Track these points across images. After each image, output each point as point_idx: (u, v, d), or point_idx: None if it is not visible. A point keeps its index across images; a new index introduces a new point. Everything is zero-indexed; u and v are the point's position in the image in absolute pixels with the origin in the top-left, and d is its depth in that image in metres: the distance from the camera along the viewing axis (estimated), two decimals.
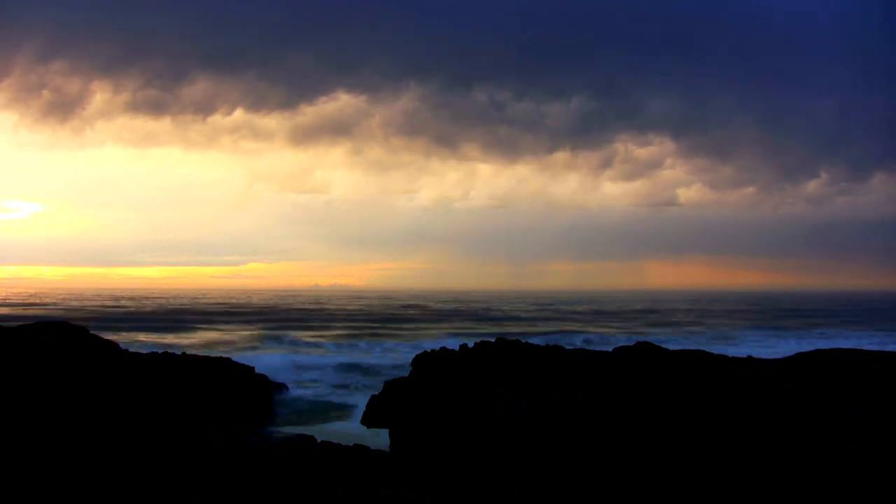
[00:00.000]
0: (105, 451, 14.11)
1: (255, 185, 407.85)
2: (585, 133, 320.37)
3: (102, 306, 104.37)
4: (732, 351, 33.44)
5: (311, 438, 13.94)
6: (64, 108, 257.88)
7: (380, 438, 18.81)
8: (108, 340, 25.42)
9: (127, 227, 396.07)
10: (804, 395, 14.85)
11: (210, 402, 22.63)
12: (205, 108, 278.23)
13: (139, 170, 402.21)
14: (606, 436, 13.99)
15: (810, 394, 14.94)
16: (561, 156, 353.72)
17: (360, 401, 22.83)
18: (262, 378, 27.74)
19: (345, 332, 68.98)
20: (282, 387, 31.03)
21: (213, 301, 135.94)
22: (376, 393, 20.25)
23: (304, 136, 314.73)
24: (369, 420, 19.69)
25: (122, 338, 43.50)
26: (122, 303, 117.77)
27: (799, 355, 18.97)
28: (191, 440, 17.24)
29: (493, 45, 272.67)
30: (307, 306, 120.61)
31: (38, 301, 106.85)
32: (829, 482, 11.50)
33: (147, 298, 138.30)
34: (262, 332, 67.10)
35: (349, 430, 21.10)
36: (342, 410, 28.19)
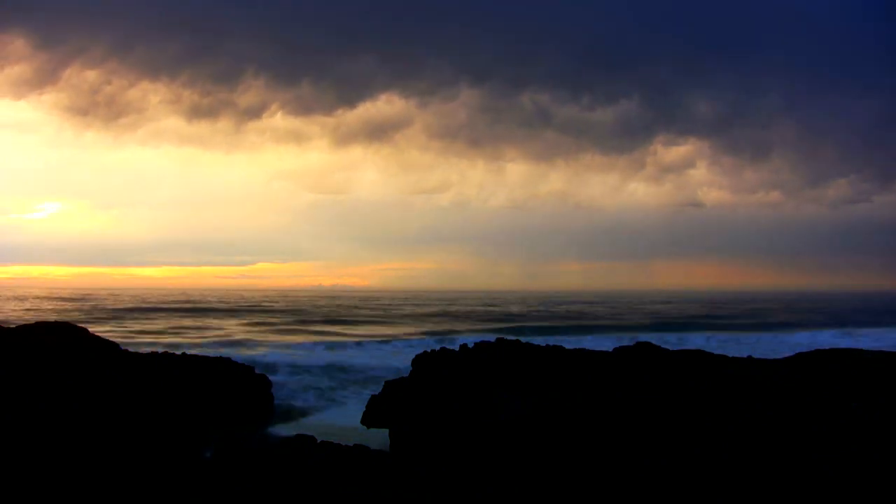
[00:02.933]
0: (105, 452, 14.12)
1: (279, 186, 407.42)
2: (624, 137, 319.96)
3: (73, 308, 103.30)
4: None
5: (311, 438, 13.93)
6: (107, 111, 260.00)
7: (380, 438, 18.82)
8: (108, 340, 25.41)
9: (143, 227, 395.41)
10: (804, 395, 14.85)
11: (210, 401, 22.65)
12: (251, 113, 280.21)
13: (170, 171, 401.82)
14: (606, 436, 14.00)
15: (810, 394, 14.95)
16: (593, 159, 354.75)
17: (361, 401, 22.83)
18: (262, 378, 27.76)
19: (344, 331, 69.01)
20: (281, 386, 31.07)
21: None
22: (376, 393, 20.28)
23: (341, 140, 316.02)
24: (369, 420, 19.71)
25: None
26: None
27: (799, 355, 18.97)
28: (190, 440, 17.24)
29: (548, 49, 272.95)
30: (302, 307, 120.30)
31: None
32: (829, 482, 11.51)
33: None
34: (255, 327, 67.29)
35: (349, 430, 21.11)
36: (342, 411, 28.19)
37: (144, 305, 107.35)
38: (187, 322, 76.29)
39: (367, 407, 19.96)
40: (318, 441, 13.88)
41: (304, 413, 27.93)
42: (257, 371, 27.86)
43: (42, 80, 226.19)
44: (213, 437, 16.63)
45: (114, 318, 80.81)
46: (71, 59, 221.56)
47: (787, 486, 11.60)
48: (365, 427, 19.80)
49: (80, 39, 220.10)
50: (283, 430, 23.67)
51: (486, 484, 12.35)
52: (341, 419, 26.01)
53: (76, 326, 25.25)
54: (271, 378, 29.90)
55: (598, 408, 15.10)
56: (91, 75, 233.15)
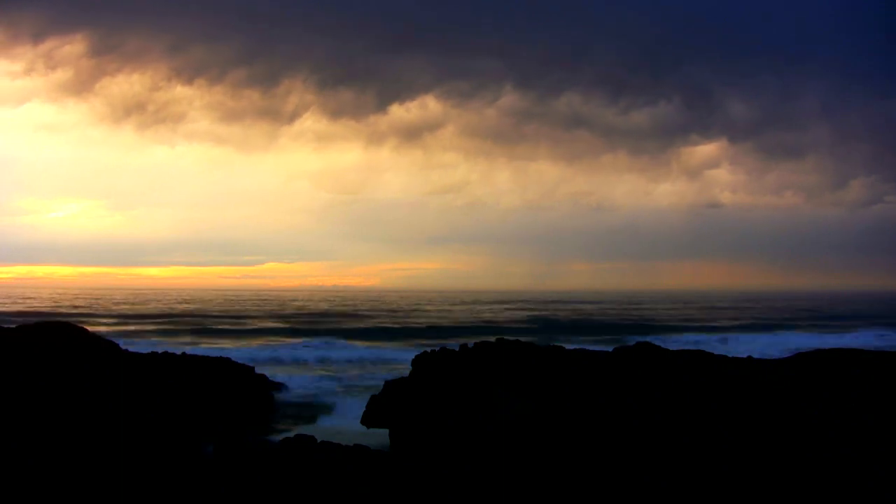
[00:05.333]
0: (105, 452, 14.12)
1: (300, 187, 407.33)
2: (655, 138, 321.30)
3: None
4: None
5: (311, 438, 13.92)
6: (140, 114, 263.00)
7: (380, 438, 18.82)
8: (108, 341, 25.42)
9: (156, 227, 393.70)
10: (804, 395, 14.85)
11: (210, 401, 22.63)
12: (285, 117, 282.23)
13: (195, 172, 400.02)
14: (606, 436, 13.99)
15: (810, 394, 14.95)
16: (620, 160, 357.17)
17: (361, 401, 22.83)
18: (262, 377, 27.76)
19: (344, 331, 68.99)
20: (281, 386, 31.07)
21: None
22: (377, 393, 20.27)
23: (370, 142, 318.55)
24: (369, 420, 19.70)
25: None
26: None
27: (799, 355, 18.98)
28: (190, 440, 17.23)
29: (594, 52, 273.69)
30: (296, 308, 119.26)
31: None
32: (828, 482, 11.51)
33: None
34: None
35: (349, 430, 21.10)
36: (341, 410, 28.18)
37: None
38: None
39: (367, 407, 19.95)
40: (318, 441, 13.87)
41: (304, 412, 27.93)
42: (258, 370, 27.88)
43: (82, 84, 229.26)
44: (213, 436, 16.62)
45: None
46: (111, 65, 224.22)
47: (786, 486, 11.60)
48: (365, 427, 19.79)
49: (129, 46, 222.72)
50: (283, 430, 23.67)
51: (486, 484, 12.34)
52: (341, 419, 26.01)
53: (76, 326, 25.25)
54: (272, 377, 29.94)
55: (598, 408, 15.10)
56: (127, 80, 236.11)
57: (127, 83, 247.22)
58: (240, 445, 13.82)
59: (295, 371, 38.40)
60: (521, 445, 14.39)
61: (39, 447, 13.86)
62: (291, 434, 14.85)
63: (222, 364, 26.18)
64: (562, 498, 12.01)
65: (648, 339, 24.26)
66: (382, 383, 20.69)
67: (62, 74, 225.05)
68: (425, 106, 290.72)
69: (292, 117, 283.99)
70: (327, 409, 28.75)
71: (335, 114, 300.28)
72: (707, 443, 13.07)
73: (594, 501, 11.91)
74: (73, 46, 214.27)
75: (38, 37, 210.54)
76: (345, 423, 24.05)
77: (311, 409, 28.51)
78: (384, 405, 19.48)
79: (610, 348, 20.18)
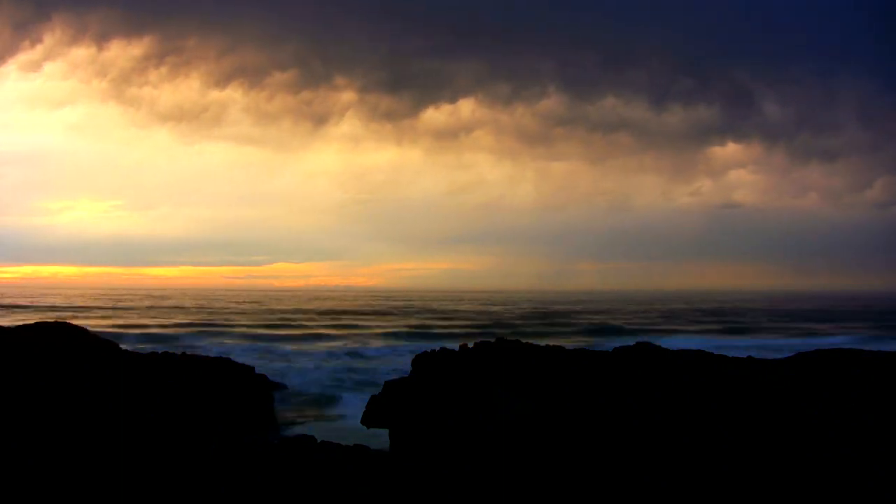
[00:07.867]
0: (105, 452, 14.11)
1: (319, 188, 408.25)
2: (686, 139, 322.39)
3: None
4: None
5: (311, 438, 13.93)
6: (185, 114, 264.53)
7: (380, 438, 18.82)
8: (107, 341, 25.40)
9: (169, 227, 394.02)
10: (804, 395, 14.86)
11: (209, 402, 22.63)
12: (321, 119, 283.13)
13: (217, 172, 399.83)
14: (606, 436, 13.99)
15: (810, 394, 14.95)
16: (654, 162, 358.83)
17: (361, 401, 22.84)
18: (262, 377, 27.76)
19: (345, 331, 69.02)
20: (281, 386, 31.11)
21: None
22: (376, 393, 20.27)
23: (402, 143, 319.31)
24: (369, 420, 19.70)
25: None
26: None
27: (799, 355, 18.96)
28: (190, 440, 17.22)
29: (641, 54, 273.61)
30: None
31: None
32: (828, 482, 11.51)
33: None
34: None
35: (349, 430, 21.12)
36: (341, 410, 28.21)
37: None
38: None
39: (367, 407, 19.96)
40: (318, 441, 13.87)
41: (304, 412, 27.95)
42: (258, 371, 27.87)
43: (123, 88, 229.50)
44: (212, 436, 16.62)
45: None
46: (160, 69, 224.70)
47: (785, 487, 11.60)
48: (365, 427, 19.79)
49: (184, 50, 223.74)
50: (283, 429, 23.68)
51: (486, 484, 12.34)
52: (341, 419, 26.04)
53: (75, 326, 25.23)
54: (272, 377, 29.95)
55: (598, 408, 15.10)
56: (172, 84, 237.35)
57: (171, 87, 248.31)
58: (240, 445, 13.81)
59: (296, 370, 38.41)
60: (521, 445, 14.39)
61: (39, 447, 13.85)
62: (291, 434, 14.86)
63: (222, 364, 26.18)
64: (562, 498, 12.01)
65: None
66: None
67: (110, 78, 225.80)
68: (463, 109, 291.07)
69: (328, 120, 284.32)
70: (327, 408, 28.79)
71: (371, 117, 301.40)
72: (707, 443, 13.07)
73: (594, 501, 11.91)
74: (128, 50, 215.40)
75: (101, 39, 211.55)
76: (344, 423, 24.09)
77: (311, 409, 28.56)
78: (384, 405, 19.47)
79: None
